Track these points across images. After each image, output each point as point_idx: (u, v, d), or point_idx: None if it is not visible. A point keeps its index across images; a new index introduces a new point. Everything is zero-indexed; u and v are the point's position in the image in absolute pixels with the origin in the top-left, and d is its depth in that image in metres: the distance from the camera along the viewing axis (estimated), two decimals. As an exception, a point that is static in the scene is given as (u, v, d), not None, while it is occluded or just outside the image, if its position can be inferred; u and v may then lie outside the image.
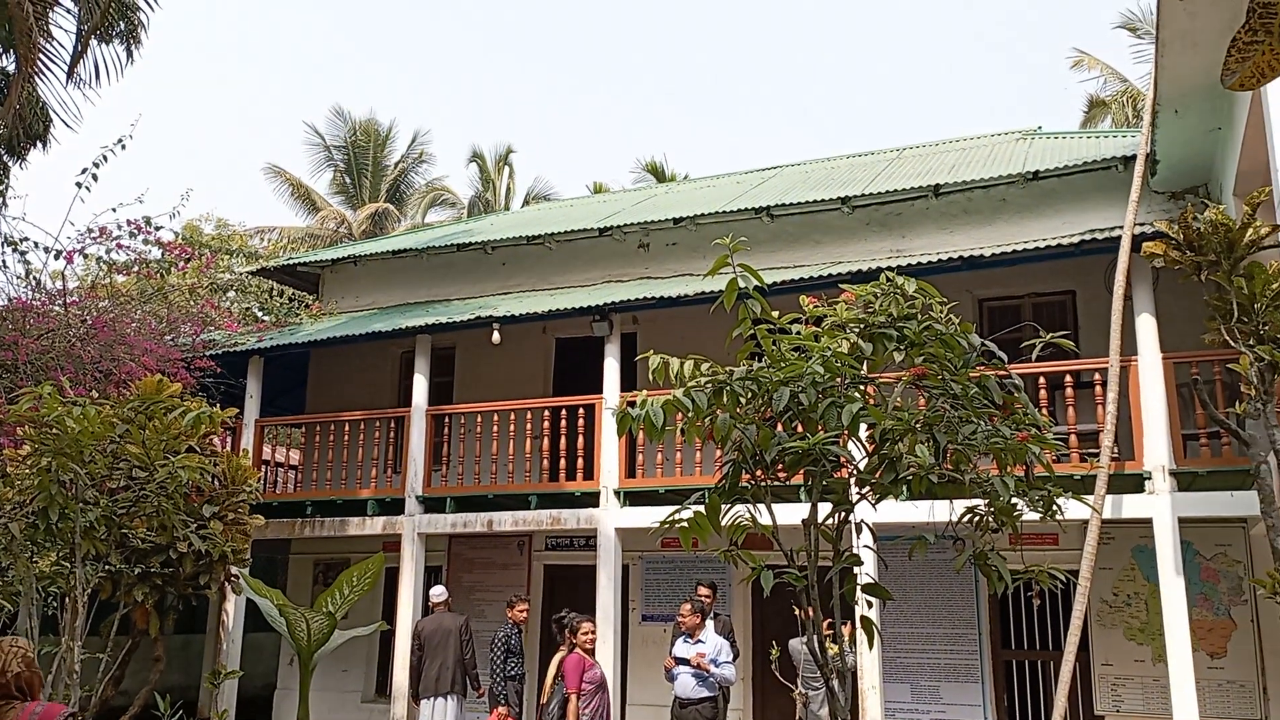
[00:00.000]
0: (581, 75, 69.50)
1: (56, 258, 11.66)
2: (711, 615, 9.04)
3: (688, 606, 8.70)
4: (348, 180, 31.89)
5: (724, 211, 12.46)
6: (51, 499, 7.02)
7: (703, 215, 12.57)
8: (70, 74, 10.98)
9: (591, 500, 10.72)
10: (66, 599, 8.98)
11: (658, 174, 28.27)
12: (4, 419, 7.94)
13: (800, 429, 5.46)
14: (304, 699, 3.45)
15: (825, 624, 6.02)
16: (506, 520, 11.05)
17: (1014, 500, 5.01)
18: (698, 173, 23.20)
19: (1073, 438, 8.88)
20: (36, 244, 11.30)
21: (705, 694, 8.38)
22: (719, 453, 10.22)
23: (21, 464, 7.79)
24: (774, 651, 8.42)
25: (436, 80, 68.56)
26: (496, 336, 11.30)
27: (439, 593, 10.14)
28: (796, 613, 8.47)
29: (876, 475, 5.24)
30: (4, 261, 11.06)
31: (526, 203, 30.45)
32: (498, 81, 68.57)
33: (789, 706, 9.43)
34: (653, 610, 11.70)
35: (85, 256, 12.20)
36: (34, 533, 7.18)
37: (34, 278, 11.79)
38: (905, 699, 10.27)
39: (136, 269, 12.47)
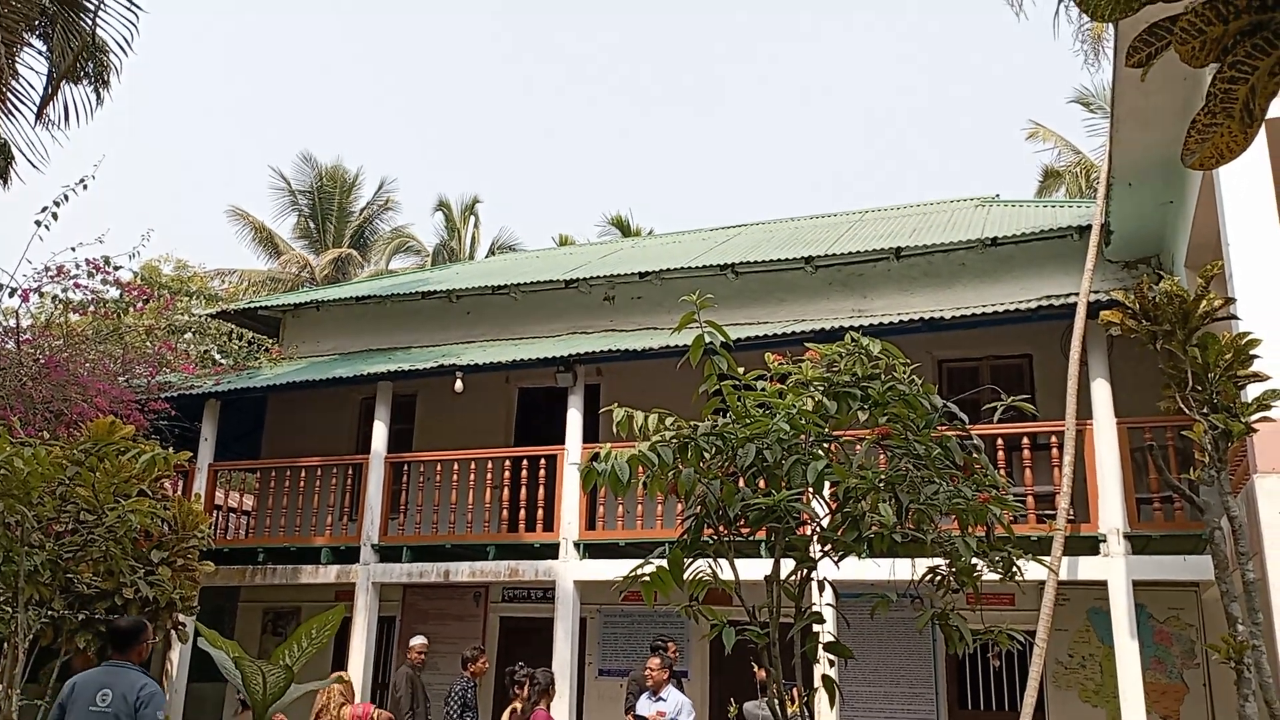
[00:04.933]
0: (548, 130, 70.21)
1: (11, 295, 11.48)
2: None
3: (656, 661, 8.41)
4: (312, 225, 31.79)
5: (689, 267, 12.58)
6: (-4, 541, 6.82)
7: (668, 270, 12.68)
8: (39, 114, 10.92)
9: (551, 552, 10.62)
10: (5, 645, 8.71)
11: (623, 228, 28.50)
12: (-49, 457, 7.71)
13: (764, 485, 5.49)
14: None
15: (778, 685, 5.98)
16: (464, 570, 10.91)
17: (974, 561, 5.05)
18: (663, 228, 23.48)
19: (1030, 499, 8.99)
20: (-7, 282, 11.10)
21: None
22: (680, 506, 10.26)
23: (-34, 504, 7.58)
24: (731, 710, 8.34)
25: (403, 129, 68.89)
26: (460, 385, 11.25)
27: (422, 643, 9.88)
28: (756, 671, 8.43)
29: (839, 533, 5.27)
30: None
31: (491, 253, 30.50)
32: (465, 132, 69.04)
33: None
34: (610, 664, 11.57)
35: (41, 295, 12.03)
36: (-25, 576, 6.97)
37: (-11, 316, 11.58)
38: (862, 759, 10.21)
39: (93, 308, 12.30)
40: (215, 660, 3.72)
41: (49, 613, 7.76)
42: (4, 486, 6.81)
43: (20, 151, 11.10)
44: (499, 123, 68.81)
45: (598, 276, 13.07)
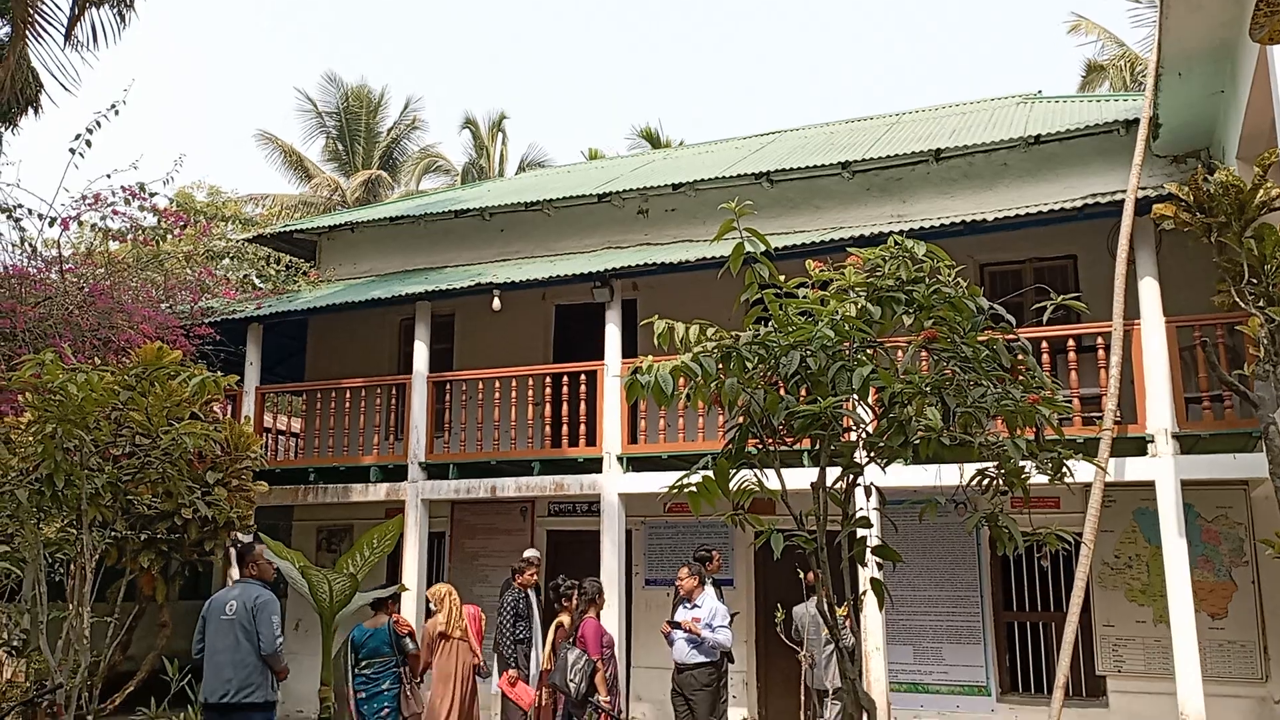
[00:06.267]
0: (574, 40, 68.87)
1: (51, 224, 11.58)
2: (709, 580, 9.04)
3: (685, 570, 8.72)
4: (340, 147, 31.66)
5: (724, 177, 12.39)
6: (57, 466, 7.01)
7: (702, 181, 12.51)
8: (68, 36, 10.86)
9: (594, 466, 10.75)
10: (72, 565, 9.02)
11: (653, 140, 28.09)
12: (6, 386, 7.90)
13: (807, 393, 5.47)
14: (327, 660, 3.50)
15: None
16: (510, 486, 11.08)
17: (1022, 463, 5.03)
18: (693, 139, 23.09)
19: (1075, 401, 8.91)
20: (30, 210, 11.20)
21: (700, 659, 8.35)
22: (721, 418, 10.28)
23: (24, 431, 7.77)
24: (779, 614, 8.47)
25: (427, 46, 67.87)
26: (498, 303, 11.27)
27: (535, 555, 9.93)
28: (800, 576, 8.55)
29: (885, 439, 5.25)
30: (-3, 229, 10.95)
31: (520, 170, 30.24)
32: (489, 48, 67.90)
33: (792, 669, 9.51)
34: (656, 575, 11.78)
35: (80, 223, 12.13)
36: (40, 499, 7.18)
37: (29, 245, 11.71)
38: (908, 660, 10.37)
39: (131, 236, 12.40)
40: (282, 571, 3.82)
41: (112, 534, 8.00)
42: (60, 412, 6.96)
43: (52, 74, 11.09)
44: (521, 35, 67.59)
45: (631, 189, 12.92)
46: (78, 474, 7.14)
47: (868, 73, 64.84)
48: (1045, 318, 5.08)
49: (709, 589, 8.74)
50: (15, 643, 9.57)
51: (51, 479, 7.02)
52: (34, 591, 7.54)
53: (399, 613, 8.30)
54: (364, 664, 7.72)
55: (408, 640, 7.92)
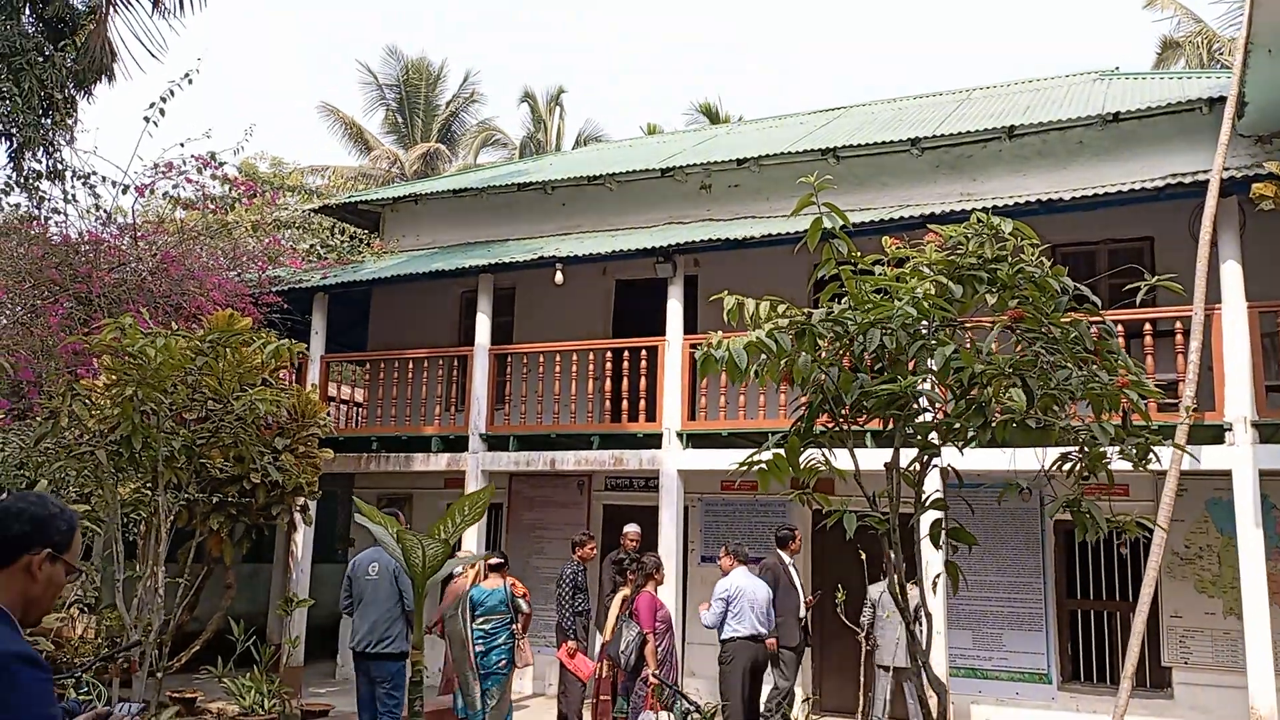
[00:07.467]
0: (633, 14, 68.47)
1: (125, 192, 11.80)
2: (746, 559, 9.07)
3: (724, 549, 9.21)
4: (400, 120, 31.87)
5: (788, 153, 12.23)
6: (135, 428, 7.16)
7: (767, 156, 12.37)
8: (156, 3, 11.05)
9: (654, 442, 10.74)
10: (143, 526, 9.23)
11: (712, 116, 27.86)
12: (87, 348, 8.08)
13: (883, 372, 5.39)
14: (419, 624, 3.55)
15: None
16: (569, 460, 11.12)
17: (1104, 448, 4.91)
18: (751, 115, 22.85)
19: (1152, 387, 8.69)
20: (104, 178, 11.42)
21: (723, 636, 8.53)
22: (782, 397, 10.21)
23: (101, 394, 7.95)
24: (840, 594, 8.43)
25: (486, 19, 67.92)
26: (560, 277, 11.28)
27: (636, 531, 10.17)
28: (862, 556, 8.50)
29: (962, 420, 5.16)
30: (74, 195, 11.17)
31: (578, 144, 30.19)
32: (545, 21, 67.76)
33: (849, 649, 9.47)
34: (712, 551, 11.74)
35: (151, 191, 12.34)
36: (118, 460, 7.34)
37: (104, 212, 11.94)
38: (967, 645, 10.25)
39: (202, 204, 12.59)
40: (375, 534, 3.86)
41: (184, 496, 8.16)
42: (139, 375, 7.10)
43: (140, 41, 11.27)
44: (580, 9, 67.35)
45: (694, 165, 12.82)
46: (155, 436, 7.29)
47: (936, 49, 63.71)
48: (1139, 298, 4.93)
49: (736, 571, 8.76)
50: (89, 600, 9.85)
51: (129, 441, 7.18)
52: (109, 551, 7.73)
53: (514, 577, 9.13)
54: (481, 620, 8.52)
55: (521, 601, 8.85)
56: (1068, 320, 5.05)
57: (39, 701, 2.08)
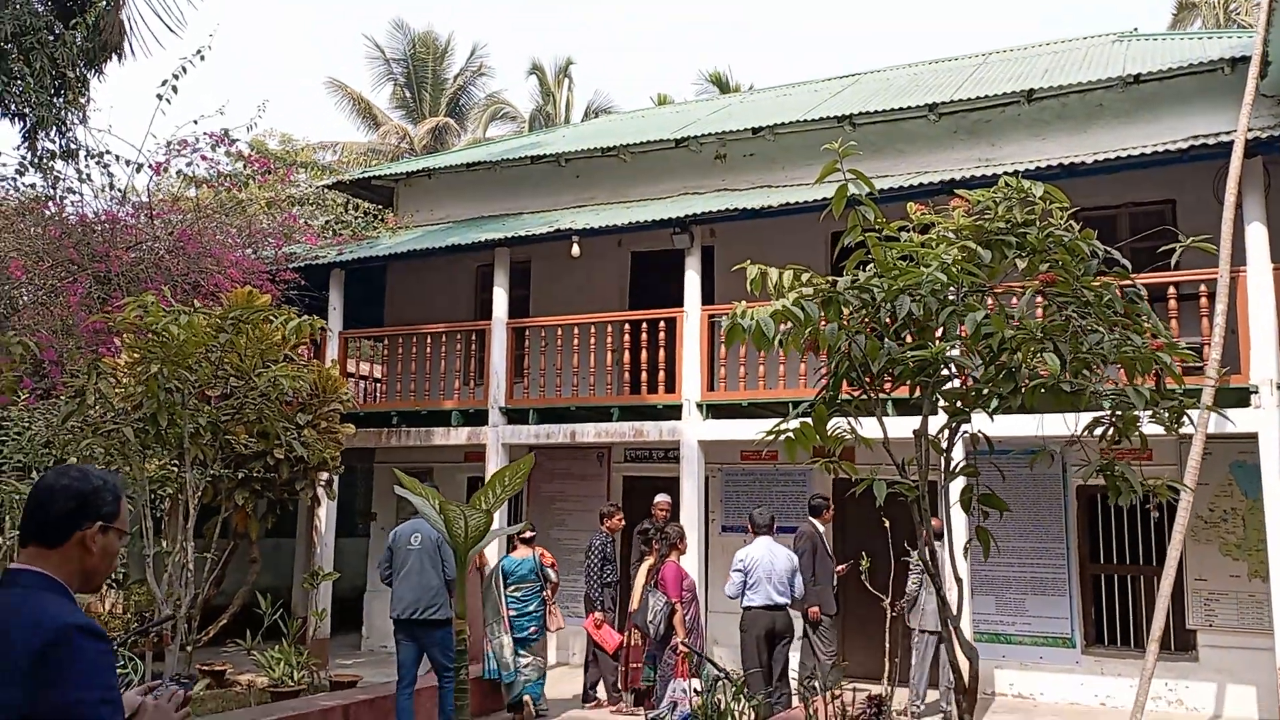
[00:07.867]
0: (638, -16, 67.77)
1: (139, 170, 11.78)
2: (757, 528, 9.05)
3: (749, 522, 9.11)
4: (408, 94, 31.73)
5: (803, 120, 12.13)
6: (160, 405, 7.18)
7: (781, 125, 12.27)
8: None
9: (674, 413, 10.74)
10: (168, 502, 9.29)
11: (722, 85, 27.65)
12: (110, 326, 8.10)
13: (910, 339, 5.36)
14: (462, 593, 3.58)
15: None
16: (589, 432, 11.13)
17: (1137, 412, 4.88)
18: (761, 84, 22.63)
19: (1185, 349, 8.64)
20: (118, 156, 11.39)
21: (746, 604, 8.52)
22: (803, 366, 10.18)
23: (125, 371, 7.98)
24: (864, 563, 8.44)
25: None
26: (576, 249, 11.25)
27: (665, 501, 10.24)
28: (885, 524, 8.50)
29: (992, 386, 5.14)
30: (88, 174, 11.16)
31: (587, 116, 30.00)
32: (552, 2, 67.19)
33: (874, 615, 9.49)
34: (733, 521, 11.78)
35: (166, 169, 12.32)
36: (145, 437, 7.37)
37: (119, 190, 11.93)
38: (990, 611, 10.27)
39: (216, 182, 12.58)
40: (416, 506, 3.88)
41: (210, 472, 8.20)
42: (163, 353, 7.12)
43: (159, 16, 11.22)
44: (586, -20, 66.70)
45: (708, 134, 12.73)
46: (180, 413, 7.32)
47: (951, 12, 62.93)
48: (1174, 260, 4.88)
49: (758, 541, 8.66)
50: (117, 575, 9.94)
51: (155, 418, 7.21)
52: (137, 527, 7.78)
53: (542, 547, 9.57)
54: (513, 588, 8.97)
55: (550, 570, 9.27)
56: (1099, 284, 5.01)
57: (101, 671, 2.10)
